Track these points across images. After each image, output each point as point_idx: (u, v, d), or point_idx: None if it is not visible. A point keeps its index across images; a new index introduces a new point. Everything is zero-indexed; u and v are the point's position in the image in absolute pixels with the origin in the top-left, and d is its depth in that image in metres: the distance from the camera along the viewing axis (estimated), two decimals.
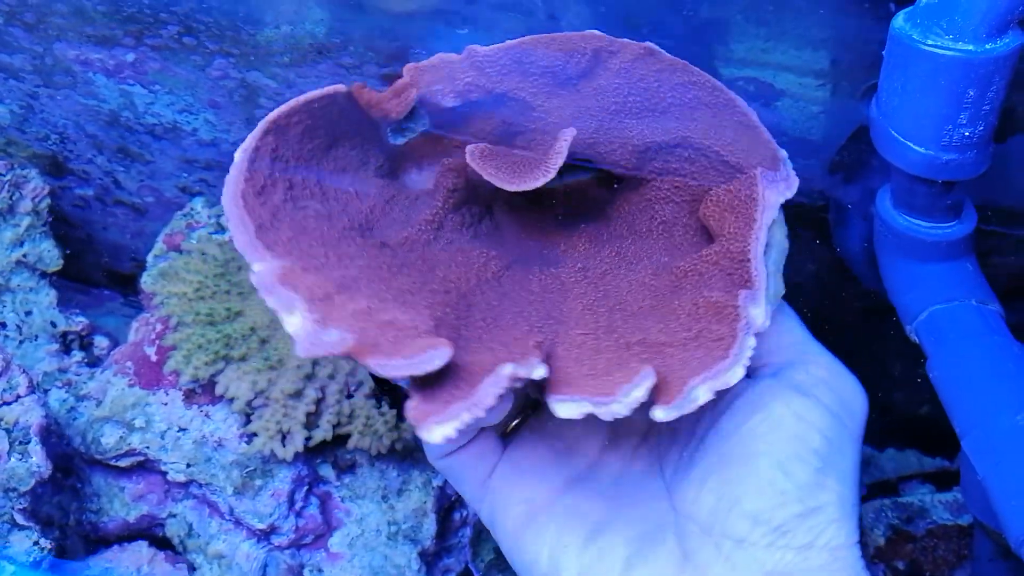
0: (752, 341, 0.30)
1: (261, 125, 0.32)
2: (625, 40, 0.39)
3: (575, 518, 0.34)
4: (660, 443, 0.36)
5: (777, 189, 0.35)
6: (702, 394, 0.29)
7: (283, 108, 0.33)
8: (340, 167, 0.35)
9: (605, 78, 0.39)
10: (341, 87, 0.36)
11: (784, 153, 0.36)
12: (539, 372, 0.29)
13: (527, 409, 0.38)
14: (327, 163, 0.35)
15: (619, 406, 0.28)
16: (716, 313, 0.32)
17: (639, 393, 0.28)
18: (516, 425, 0.38)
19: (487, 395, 0.27)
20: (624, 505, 0.34)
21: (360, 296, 0.30)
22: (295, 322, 0.28)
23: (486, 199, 0.40)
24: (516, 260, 0.38)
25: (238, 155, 0.32)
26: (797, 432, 0.32)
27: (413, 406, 0.28)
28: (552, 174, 0.35)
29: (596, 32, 0.39)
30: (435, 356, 0.28)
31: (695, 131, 0.38)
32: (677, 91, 0.38)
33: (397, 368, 0.27)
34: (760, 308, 0.32)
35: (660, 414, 0.28)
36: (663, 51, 0.39)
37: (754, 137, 0.36)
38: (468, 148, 0.37)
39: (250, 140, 0.32)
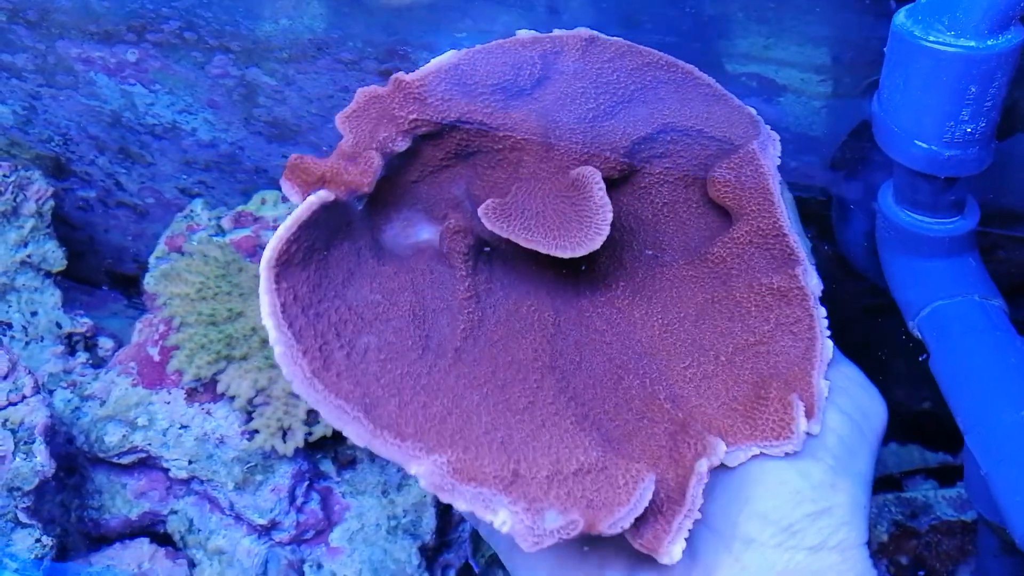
0: (823, 311, 0.33)
1: (269, 275, 0.29)
2: (558, 33, 0.37)
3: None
4: None
5: (770, 153, 0.35)
6: (824, 385, 0.32)
7: (280, 243, 0.30)
8: (349, 273, 0.33)
9: (564, 83, 0.37)
10: (323, 196, 0.32)
11: (753, 110, 0.37)
12: (722, 449, 0.31)
13: None
14: (339, 277, 0.33)
15: (792, 445, 0.31)
16: (782, 297, 0.34)
17: (804, 426, 0.31)
18: None
19: (697, 496, 0.29)
20: None
21: (523, 447, 0.29)
22: (505, 521, 0.27)
23: (484, 240, 0.38)
24: (555, 298, 0.38)
25: (274, 331, 0.29)
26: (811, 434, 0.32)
27: (641, 537, 0.28)
28: (606, 231, 0.33)
29: (526, 33, 0.37)
30: (646, 488, 0.28)
31: (669, 113, 0.37)
32: (635, 76, 0.37)
33: (627, 519, 0.28)
34: (814, 277, 0.34)
35: (814, 428, 0.31)
36: (602, 34, 0.37)
37: (725, 105, 0.37)
38: (482, 213, 0.34)
39: (271, 302, 0.29)
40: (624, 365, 0.35)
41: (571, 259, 0.35)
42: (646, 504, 0.28)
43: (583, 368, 0.35)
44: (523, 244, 0.33)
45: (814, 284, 0.34)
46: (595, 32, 0.36)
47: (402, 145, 0.35)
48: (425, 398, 0.30)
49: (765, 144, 0.36)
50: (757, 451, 0.31)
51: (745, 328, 0.34)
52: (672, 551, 0.28)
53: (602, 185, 0.34)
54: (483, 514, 0.27)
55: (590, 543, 0.32)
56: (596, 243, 0.33)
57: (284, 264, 0.30)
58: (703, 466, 0.29)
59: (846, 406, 0.33)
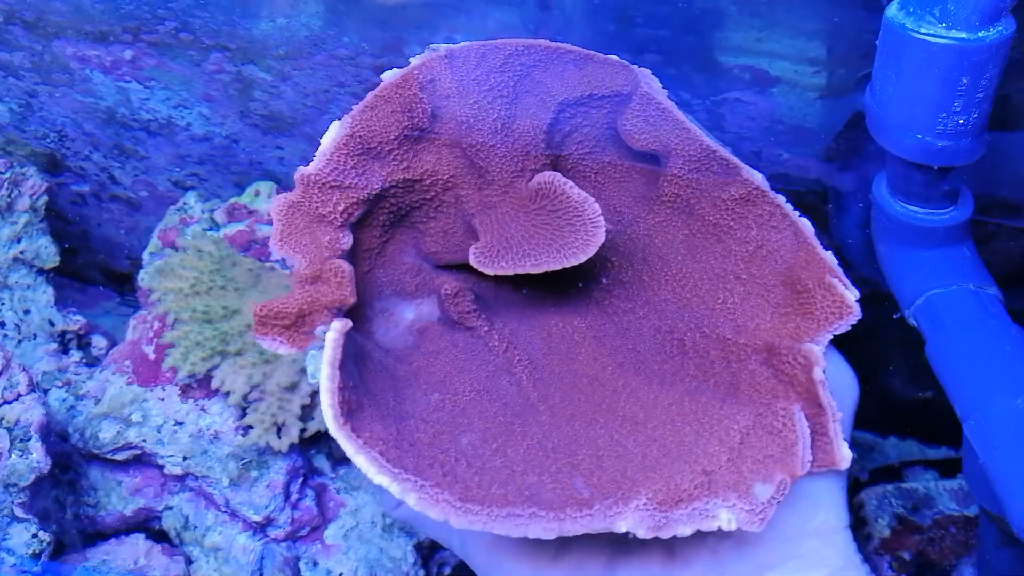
0: (781, 196, 0.35)
1: (346, 435, 0.28)
2: (416, 61, 0.35)
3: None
4: None
5: (657, 88, 0.36)
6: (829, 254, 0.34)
7: (334, 397, 0.28)
8: (392, 390, 0.32)
9: (454, 105, 0.36)
10: (341, 326, 0.30)
11: (616, 57, 0.37)
12: (816, 350, 0.32)
13: None
14: (389, 398, 0.32)
15: (854, 316, 0.32)
16: (746, 202, 0.35)
17: (852, 296, 0.32)
18: None
19: (831, 399, 0.30)
20: None
21: (690, 449, 0.30)
22: (729, 519, 0.28)
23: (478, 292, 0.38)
24: (566, 305, 0.37)
25: (396, 483, 0.28)
26: None
27: (816, 463, 0.30)
28: (602, 223, 0.33)
29: (391, 75, 0.35)
30: (799, 416, 0.30)
31: (556, 92, 0.37)
32: (507, 71, 0.36)
33: (807, 449, 0.30)
34: (755, 173, 0.35)
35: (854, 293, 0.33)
36: (450, 44, 0.36)
37: (595, 63, 0.37)
38: (476, 263, 0.34)
39: (370, 458, 0.28)
40: (672, 328, 0.35)
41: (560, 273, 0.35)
42: (809, 429, 0.29)
43: (645, 351, 0.35)
44: (533, 271, 0.33)
45: (760, 179, 0.35)
46: (446, 45, 0.36)
47: (347, 241, 0.33)
48: (566, 458, 0.30)
49: (648, 82, 0.36)
50: (830, 337, 0.32)
51: (737, 241, 0.35)
52: (844, 453, 0.30)
53: (568, 181, 0.34)
54: (705, 525, 0.27)
55: (565, 544, 0.32)
56: (599, 237, 0.33)
57: (349, 414, 0.29)
58: (819, 373, 0.30)
59: None
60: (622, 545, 0.32)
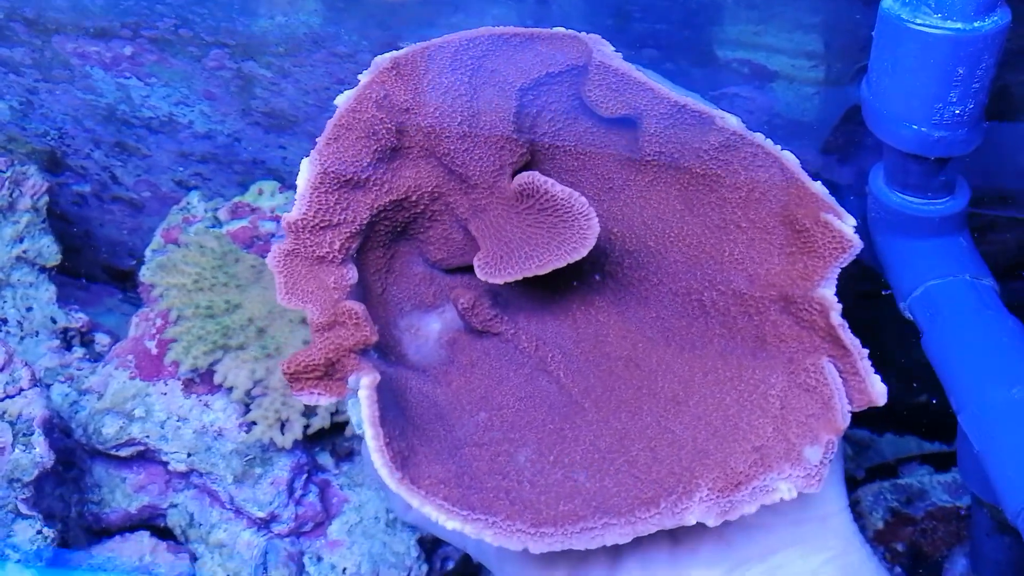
0: (759, 134, 0.34)
1: (405, 486, 0.28)
2: (365, 79, 0.34)
3: None
4: None
5: (610, 52, 0.35)
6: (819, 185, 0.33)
7: (385, 453, 0.28)
8: (439, 419, 0.32)
9: (416, 116, 0.35)
10: (370, 381, 0.30)
11: (563, 28, 0.37)
12: (827, 292, 0.31)
13: None
14: (439, 430, 0.32)
15: (856, 248, 0.32)
16: (728, 148, 0.34)
17: (849, 224, 0.32)
18: None
19: (855, 339, 0.31)
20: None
21: (736, 424, 0.30)
22: (788, 489, 0.28)
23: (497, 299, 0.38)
24: (575, 295, 0.37)
25: (468, 525, 0.28)
26: None
27: (852, 405, 0.30)
28: (592, 214, 0.33)
29: (344, 98, 0.34)
30: (828, 367, 0.30)
31: (512, 78, 0.36)
32: (457, 68, 0.36)
33: (844, 399, 0.30)
34: (729, 115, 0.35)
35: (850, 221, 0.32)
36: (393, 51, 0.35)
37: (541, 40, 0.36)
38: (482, 274, 0.34)
39: (437, 505, 0.28)
40: (688, 289, 0.35)
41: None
42: (840, 377, 0.30)
43: (669, 318, 0.35)
44: (539, 273, 0.33)
45: (736, 122, 0.35)
46: (390, 54, 0.35)
47: (352, 276, 0.33)
48: (622, 456, 0.30)
49: (600, 48, 0.36)
50: (838, 271, 0.32)
51: (729, 188, 0.35)
52: (878, 388, 0.30)
53: (548, 179, 0.34)
54: (767, 500, 0.28)
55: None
56: (594, 229, 0.33)
57: (404, 465, 0.29)
58: (836, 317, 0.30)
59: None
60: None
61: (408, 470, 0.28)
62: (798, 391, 0.30)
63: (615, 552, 0.32)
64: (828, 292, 0.32)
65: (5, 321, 0.59)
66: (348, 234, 0.33)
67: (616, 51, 0.36)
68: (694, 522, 0.28)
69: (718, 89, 0.49)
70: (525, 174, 0.35)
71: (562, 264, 0.33)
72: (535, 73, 0.36)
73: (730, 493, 0.28)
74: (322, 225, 0.33)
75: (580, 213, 0.33)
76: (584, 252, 0.33)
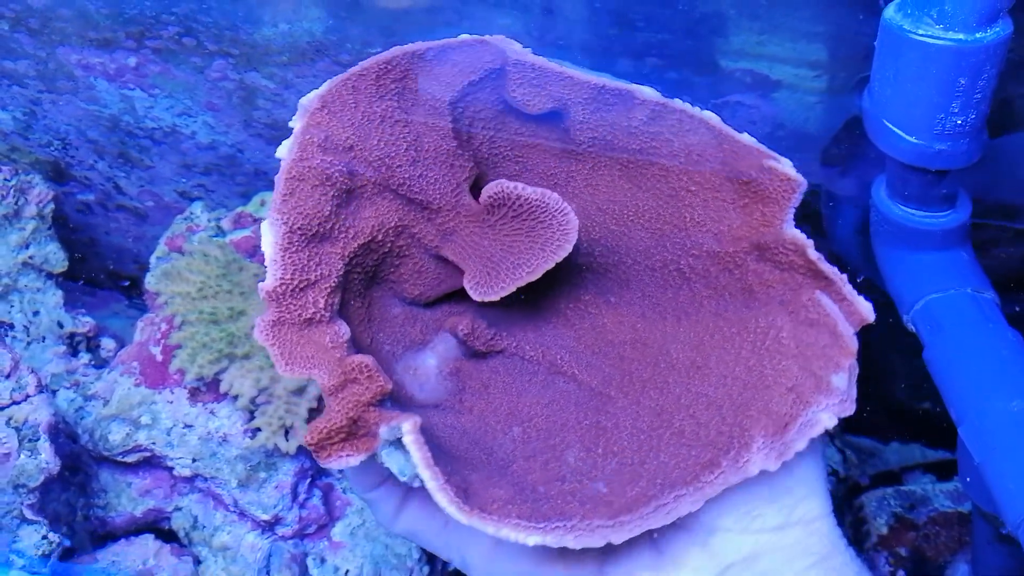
0: (697, 108, 0.35)
1: (483, 521, 0.28)
2: (298, 126, 0.33)
3: None
4: None
5: (520, 49, 0.35)
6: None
7: (446, 493, 0.28)
8: (475, 445, 0.32)
9: (359, 152, 0.34)
10: (414, 427, 0.29)
11: (467, 35, 0.36)
12: (798, 236, 0.33)
13: None
14: (479, 455, 0.32)
15: (803, 187, 0.33)
16: (659, 115, 0.35)
17: (789, 170, 0.33)
18: None
19: (836, 271, 0.32)
20: None
21: (760, 391, 0.31)
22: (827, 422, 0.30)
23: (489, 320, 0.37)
24: (567, 296, 0.37)
25: (538, 536, 0.28)
26: None
27: (850, 319, 0.31)
28: (567, 207, 0.33)
29: (283, 148, 0.33)
30: (825, 299, 0.32)
31: (433, 96, 0.36)
32: (376, 98, 0.35)
33: (851, 333, 0.31)
34: (651, 92, 0.35)
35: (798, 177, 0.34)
36: (316, 90, 0.35)
37: (454, 49, 0.36)
38: (476, 295, 0.34)
39: (512, 527, 0.28)
40: (664, 261, 0.36)
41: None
42: (834, 305, 0.31)
43: (655, 293, 0.36)
44: (533, 278, 0.33)
45: (653, 92, 0.35)
46: (315, 92, 0.34)
47: (345, 331, 0.32)
48: (667, 430, 0.31)
49: (510, 47, 0.36)
50: (794, 211, 0.34)
51: (666, 158, 0.36)
52: (865, 306, 0.31)
53: (518, 184, 0.34)
54: (813, 432, 0.29)
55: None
56: (573, 222, 0.33)
57: (468, 499, 0.28)
58: (812, 253, 0.32)
59: None
60: (613, 551, 0.32)
61: (473, 501, 0.28)
62: (805, 327, 0.32)
63: (600, 563, 0.32)
64: (796, 232, 0.33)
65: (12, 326, 0.60)
66: (329, 289, 0.32)
67: (526, 47, 0.36)
68: (757, 471, 0.29)
69: (721, 98, 0.49)
70: (492, 185, 0.35)
71: (552, 264, 0.33)
72: (458, 84, 0.36)
73: (781, 435, 0.29)
74: (301, 286, 0.32)
75: (556, 210, 0.34)
76: (569, 247, 0.33)
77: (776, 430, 0.30)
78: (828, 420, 0.30)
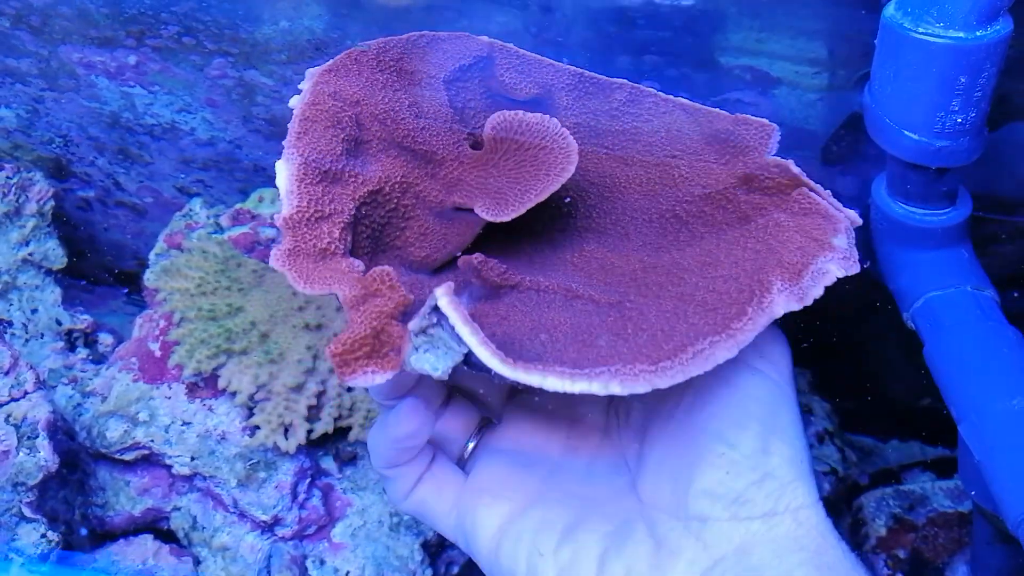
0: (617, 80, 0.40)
1: (502, 359, 0.29)
2: (312, 86, 0.36)
3: (547, 524, 0.34)
4: (621, 437, 0.36)
5: (499, 42, 0.40)
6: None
7: (486, 345, 0.28)
8: None
9: (367, 127, 0.36)
10: (446, 289, 0.30)
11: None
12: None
13: (482, 429, 0.38)
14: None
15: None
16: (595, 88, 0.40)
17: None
18: (472, 448, 0.38)
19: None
20: (594, 502, 0.34)
21: (767, 258, 0.34)
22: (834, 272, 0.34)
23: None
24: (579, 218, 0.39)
25: (566, 381, 0.29)
26: (730, 401, 0.32)
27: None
28: (558, 123, 0.36)
29: (299, 101, 0.35)
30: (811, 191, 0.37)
31: (434, 72, 0.40)
32: (382, 67, 0.39)
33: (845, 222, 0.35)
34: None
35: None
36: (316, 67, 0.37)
37: (445, 41, 0.40)
38: (484, 214, 0.35)
39: (500, 361, 0.29)
40: (660, 212, 0.38)
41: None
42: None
43: (656, 241, 0.38)
44: (543, 198, 0.34)
45: (626, 82, 0.39)
46: (318, 68, 0.37)
47: (360, 265, 0.32)
48: (691, 301, 0.33)
49: (492, 41, 0.39)
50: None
51: (648, 134, 0.39)
52: (849, 213, 0.35)
53: (518, 111, 0.36)
54: (827, 280, 0.32)
55: (564, 536, 0.34)
56: (572, 143, 0.35)
57: (509, 352, 0.29)
58: (794, 167, 0.36)
59: (758, 363, 0.33)
60: (614, 541, 0.32)
61: (515, 355, 0.28)
62: (800, 216, 0.35)
63: (601, 557, 0.32)
64: (776, 157, 0.36)
65: (11, 323, 0.60)
66: (342, 225, 0.33)
67: (523, 47, 0.40)
68: (781, 312, 0.31)
69: (721, 95, 0.49)
70: (495, 115, 0.37)
71: (558, 184, 0.35)
72: (450, 66, 0.39)
73: (798, 280, 0.32)
74: (316, 216, 0.32)
75: (556, 134, 0.36)
76: (572, 167, 0.35)
77: (792, 276, 0.32)
78: (836, 270, 0.32)
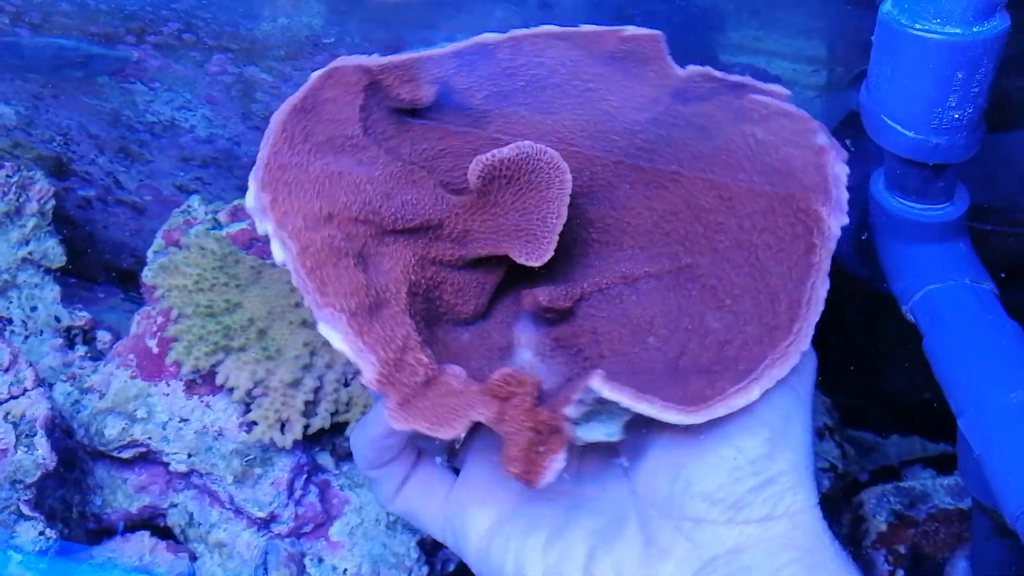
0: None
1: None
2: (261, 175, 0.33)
3: (536, 522, 0.33)
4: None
5: (375, 59, 0.36)
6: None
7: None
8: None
9: (356, 159, 0.35)
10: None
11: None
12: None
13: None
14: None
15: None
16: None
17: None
18: (460, 447, 0.37)
19: None
20: (585, 498, 0.34)
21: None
22: None
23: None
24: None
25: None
26: (748, 406, 0.31)
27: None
28: (547, 148, 0.35)
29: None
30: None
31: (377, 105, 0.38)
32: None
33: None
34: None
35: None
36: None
37: (329, 82, 0.36)
38: (520, 259, 0.35)
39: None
40: (636, 146, 0.38)
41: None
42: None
43: (650, 159, 0.38)
44: (563, 221, 0.34)
45: (496, 35, 0.37)
46: (261, 204, 0.33)
47: (460, 371, 0.32)
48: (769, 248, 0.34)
49: (363, 60, 0.36)
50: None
51: (560, 73, 0.38)
52: (781, 89, 0.36)
53: (491, 152, 0.34)
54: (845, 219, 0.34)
55: (553, 536, 0.33)
56: (553, 152, 0.34)
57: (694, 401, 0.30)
58: (716, 72, 0.37)
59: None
60: (602, 539, 0.32)
61: (678, 397, 0.30)
62: (763, 124, 0.36)
63: (590, 555, 0.32)
64: (693, 66, 0.37)
65: (10, 321, 0.60)
66: (416, 342, 0.31)
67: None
68: (839, 231, 0.33)
69: None
70: (472, 165, 0.35)
71: (568, 195, 0.34)
72: (351, 115, 0.36)
73: (825, 186, 0.34)
74: (396, 358, 0.30)
75: (535, 152, 0.34)
76: (568, 174, 0.34)
77: (824, 195, 0.33)
78: (842, 169, 0.35)
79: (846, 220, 0.34)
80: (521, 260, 0.35)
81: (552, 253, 0.34)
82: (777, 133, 0.35)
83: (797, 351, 0.31)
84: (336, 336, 0.29)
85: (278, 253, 0.31)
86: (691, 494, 0.31)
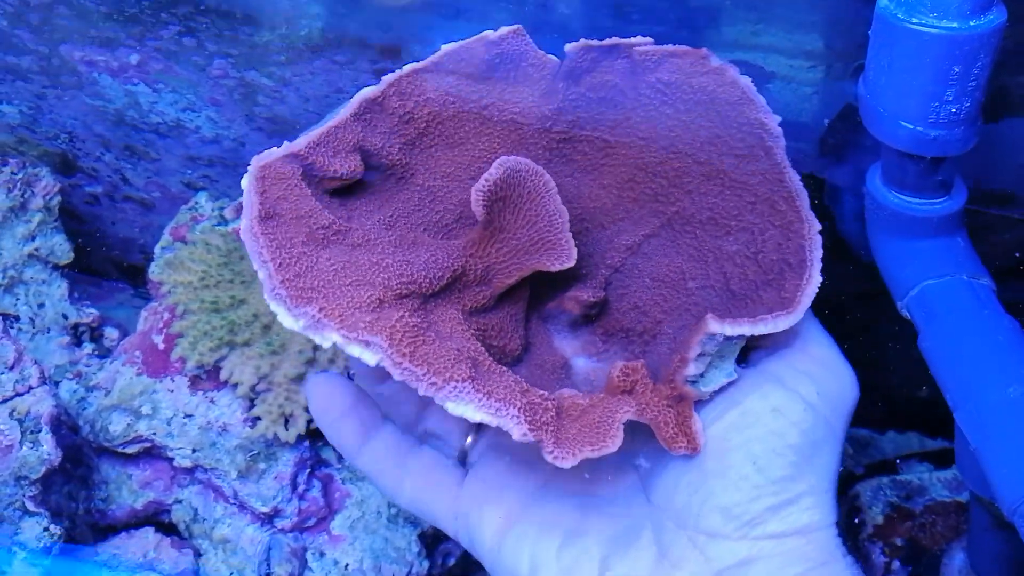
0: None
1: None
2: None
3: (550, 522, 0.34)
4: (634, 437, 0.36)
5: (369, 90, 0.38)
6: None
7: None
8: None
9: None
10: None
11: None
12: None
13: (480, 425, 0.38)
14: None
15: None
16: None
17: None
18: (471, 444, 0.38)
19: None
20: (599, 503, 0.34)
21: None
22: None
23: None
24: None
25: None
26: (773, 428, 0.31)
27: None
28: (523, 160, 0.35)
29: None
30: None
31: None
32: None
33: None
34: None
35: None
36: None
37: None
38: (552, 265, 0.35)
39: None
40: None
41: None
42: None
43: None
44: (569, 220, 0.35)
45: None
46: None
47: (570, 391, 0.34)
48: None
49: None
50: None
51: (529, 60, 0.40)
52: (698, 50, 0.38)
53: (480, 183, 0.34)
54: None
55: (570, 536, 0.34)
56: (529, 162, 0.34)
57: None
58: (638, 42, 0.39)
59: (808, 394, 0.33)
60: (616, 547, 0.32)
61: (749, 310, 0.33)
62: (711, 81, 0.38)
63: (602, 562, 0.32)
64: (615, 39, 0.38)
65: (17, 318, 0.60)
66: (521, 387, 0.31)
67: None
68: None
69: None
70: (472, 194, 0.34)
71: (556, 191, 0.35)
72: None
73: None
74: (526, 403, 0.30)
75: (519, 167, 0.34)
76: (551, 179, 0.35)
77: (740, 97, 0.37)
78: (747, 78, 0.37)
79: (779, 118, 0.37)
80: (554, 267, 0.34)
81: (575, 249, 0.35)
82: (678, 70, 0.37)
83: (812, 232, 0.34)
84: (470, 407, 0.28)
85: (368, 356, 0.28)
86: (709, 507, 0.31)
